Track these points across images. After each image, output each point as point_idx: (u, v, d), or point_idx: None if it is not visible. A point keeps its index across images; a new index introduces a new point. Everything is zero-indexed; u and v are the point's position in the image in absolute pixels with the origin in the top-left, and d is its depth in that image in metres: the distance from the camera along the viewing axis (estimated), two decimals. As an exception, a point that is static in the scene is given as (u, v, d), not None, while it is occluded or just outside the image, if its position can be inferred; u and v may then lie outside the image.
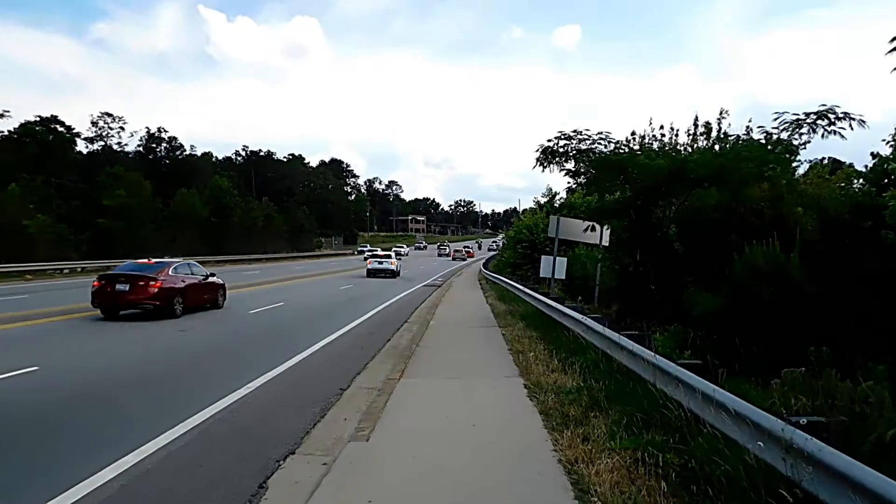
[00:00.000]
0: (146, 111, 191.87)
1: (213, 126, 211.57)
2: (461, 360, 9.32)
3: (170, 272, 14.62)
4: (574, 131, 12.65)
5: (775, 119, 10.06)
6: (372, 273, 34.80)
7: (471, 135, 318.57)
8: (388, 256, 37.60)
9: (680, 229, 11.28)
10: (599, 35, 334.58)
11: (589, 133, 12.57)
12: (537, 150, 13.22)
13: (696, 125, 12.74)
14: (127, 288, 13.66)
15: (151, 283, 13.79)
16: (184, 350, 10.63)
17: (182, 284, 14.74)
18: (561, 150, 12.90)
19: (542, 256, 18.31)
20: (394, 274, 35.21)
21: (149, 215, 52.62)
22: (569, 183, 15.95)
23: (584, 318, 8.55)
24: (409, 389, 7.29)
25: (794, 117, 9.89)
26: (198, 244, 55.50)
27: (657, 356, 5.67)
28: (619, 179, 12.76)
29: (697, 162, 10.00)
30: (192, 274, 15.63)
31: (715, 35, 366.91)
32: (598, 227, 15.79)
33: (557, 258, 17.27)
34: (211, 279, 16.38)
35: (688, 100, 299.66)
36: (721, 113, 12.25)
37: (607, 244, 16.74)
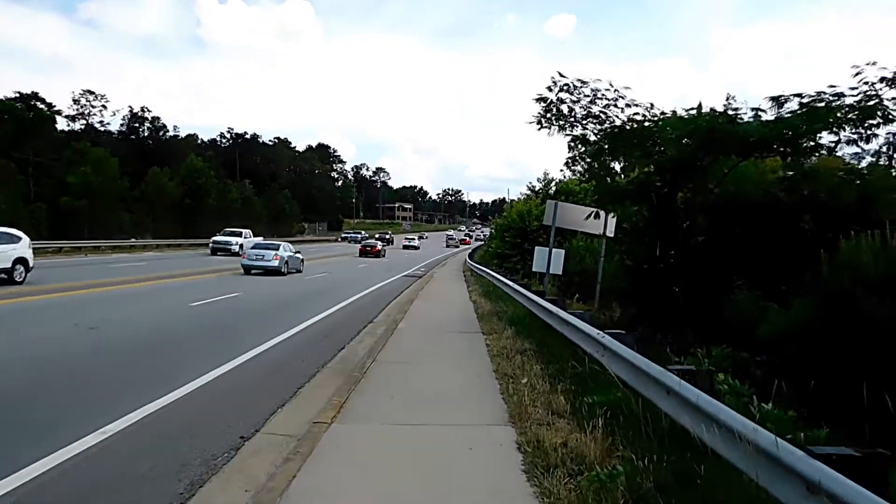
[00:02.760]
0: (133, 92, 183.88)
1: (200, 108, 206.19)
2: (427, 388, 6.75)
3: (379, 243, 50.28)
4: (580, 80, 9.71)
5: (855, 76, 7.61)
6: (406, 247, 63.98)
7: (461, 123, 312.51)
8: (414, 239, 70.58)
9: (717, 215, 8.85)
10: (593, 25, 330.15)
11: (600, 87, 9.72)
12: (538, 99, 10.39)
13: (699, 110, 10.26)
14: (370, 248, 46.66)
15: (377, 247, 47.30)
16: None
17: (380, 247, 48.00)
18: (562, 102, 10.11)
19: (536, 248, 15.78)
20: (417, 248, 64.39)
21: (115, 194, 49.19)
22: (564, 166, 13.10)
23: (601, 334, 6.04)
24: (338, 445, 4.76)
25: (884, 73, 7.43)
26: (171, 225, 52.49)
27: (759, 430, 3.18)
28: (637, 155, 10.27)
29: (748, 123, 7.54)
30: (383, 243, 53.32)
31: (708, 27, 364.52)
32: (602, 214, 13.38)
33: (553, 250, 14.84)
34: (383, 245, 50.97)
35: (680, 91, 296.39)
36: (728, 98, 9.67)
37: (612, 234, 14.40)
